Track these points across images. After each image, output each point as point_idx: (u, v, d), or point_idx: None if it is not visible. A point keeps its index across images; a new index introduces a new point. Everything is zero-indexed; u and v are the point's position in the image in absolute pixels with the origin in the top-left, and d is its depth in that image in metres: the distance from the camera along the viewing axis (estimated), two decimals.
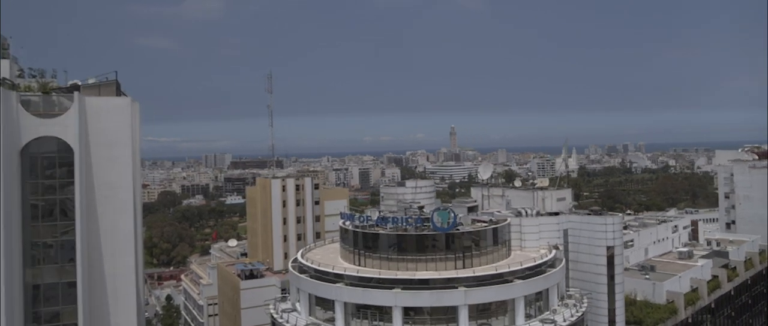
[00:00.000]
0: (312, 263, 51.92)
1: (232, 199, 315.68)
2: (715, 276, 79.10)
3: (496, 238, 52.25)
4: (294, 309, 52.57)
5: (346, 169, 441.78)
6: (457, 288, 45.52)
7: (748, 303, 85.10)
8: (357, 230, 52.17)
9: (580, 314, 50.18)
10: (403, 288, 45.69)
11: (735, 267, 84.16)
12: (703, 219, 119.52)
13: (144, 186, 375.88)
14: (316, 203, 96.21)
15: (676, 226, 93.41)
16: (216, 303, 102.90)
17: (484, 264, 49.99)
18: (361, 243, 51.53)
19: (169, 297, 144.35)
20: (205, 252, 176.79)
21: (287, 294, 57.14)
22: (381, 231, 50.73)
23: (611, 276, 56.77)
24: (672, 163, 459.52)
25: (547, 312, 49.40)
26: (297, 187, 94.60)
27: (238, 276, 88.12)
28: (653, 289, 69.11)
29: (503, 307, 47.15)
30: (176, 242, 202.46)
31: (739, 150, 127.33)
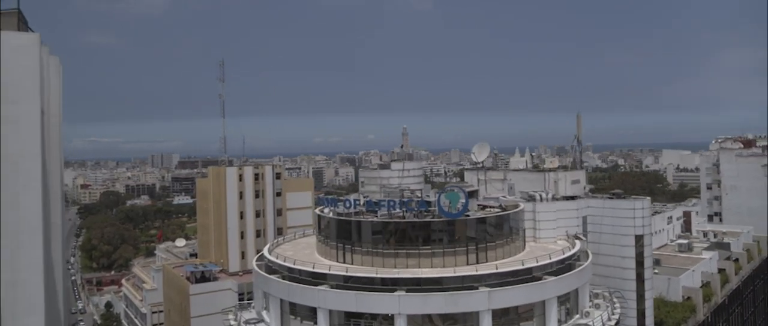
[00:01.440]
0: (285, 261, 40.82)
1: (180, 199, 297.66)
2: (721, 270, 72.24)
3: (512, 227, 42.48)
4: (261, 320, 41.32)
5: (300, 169, 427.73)
6: (477, 288, 35.45)
7: (752, 297, 78.82)
8: (341, 218, 41.39)
9: (616, 316, 41.06)
10: (408, 291, 35.24)
11: (737, 259, 77.76)
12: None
13: (85, 186, 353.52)
14: (278, 195, 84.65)
15: (670, 217, 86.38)
16: (161, 311, 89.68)
17: (501, 259, 40.16)
18: (346, 234, 40.79)
19: (108, 305, 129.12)
20: (150, 254, 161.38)
21: (251, 301, 45.82)
22: (372, 220, 40.16)
23: (640, 272, 47.97)
24: (621, 162, 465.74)
25: (577, 316, 40.02)
26: (256, 177, 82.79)
27: (188, 279, 75.67)
28: (668, 285, 60.97)
29: (530, 311, 37.38)
30: (118, 244, 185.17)
31: (714, 141, 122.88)
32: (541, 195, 48.76)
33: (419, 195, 42.72)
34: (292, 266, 39.70)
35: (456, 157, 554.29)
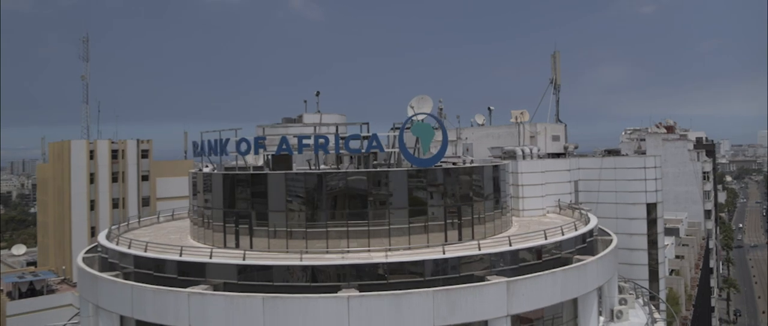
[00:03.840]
0: (130, 247, 23.05)
1: None
2: (680, 256, 63.30)
3: (501, 190, 27.59)
4: None
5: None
6: (485, 280, 19.97)
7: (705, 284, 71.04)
8: (235, 174, 24.40)
9: (659, 316, 27.57)
10: (361, 288, 18.98)
11: (688, 245, 69.68)
12: None
13: None
14: (145, 179, 64.48)
15: None
16: None
17: (492, 235, 25.13)
18: (244, 201, 23.81)
19: None
20: None
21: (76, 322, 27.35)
22: (289, 173, 23.52)
23: (652, 254, 35.24)
24: None
25: (603, 319, 25.93)
26: (114, 154, 62.15)
27: (8, 294, 53.72)
28: None
29: (558, 315, 22.56)
30: None
31: (623, 132, 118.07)
32: (523, 151, 34.52)
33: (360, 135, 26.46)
34: (141, 254, 22.05)
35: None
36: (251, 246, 22.83)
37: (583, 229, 25.43)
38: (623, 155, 38.04)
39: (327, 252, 21.97)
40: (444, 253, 21.15)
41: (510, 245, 21.54)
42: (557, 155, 37.58)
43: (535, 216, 32.55)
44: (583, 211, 31.18)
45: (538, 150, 35.83)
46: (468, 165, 26.19)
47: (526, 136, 38.16)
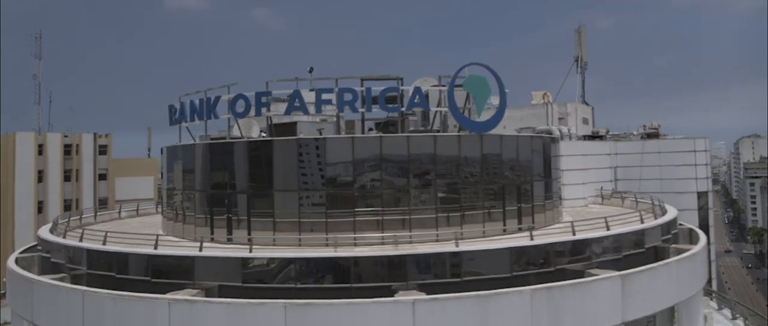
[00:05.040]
0: (81, 240, 16.81)
1: None
2: None
3: (549, 169, 22.34)
4: None
5: None
6: (586, 275, 14.52)
7: None
8: (226, 142, 18.48)
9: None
10: (424, 288, 13.24)
11: None
12: None
13: None
14: (103, 178, 57.18)
15: None
16: None
17: (542, 226, 19.78)
18: (244, 178, 17.88)
19: None
20: None
21: None
22: (302, 140, 17.70)
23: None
24: None
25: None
26: (67, 149, 54.73)
27: None
28: None
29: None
30: None
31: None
32: (560, 131, 29.42)
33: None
34: (98, 249, 15.87)
35: None
36: (250, 241, 16.84)
37: (668, 217, 20.29)
38: (665, 137, 33.44)
39: (354, 245, 16.20)
40: (532, 239, 15.60)
41: (607, 228, 16.15)
42: (590, 138, 32.74)
43: (576, 207, 27.45)
44: (637, 200, 26.23)
45: (575, 131, 30.90)
46: (526, 134, 20.85)
47: (555, 118, 33.16)
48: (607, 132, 34.47)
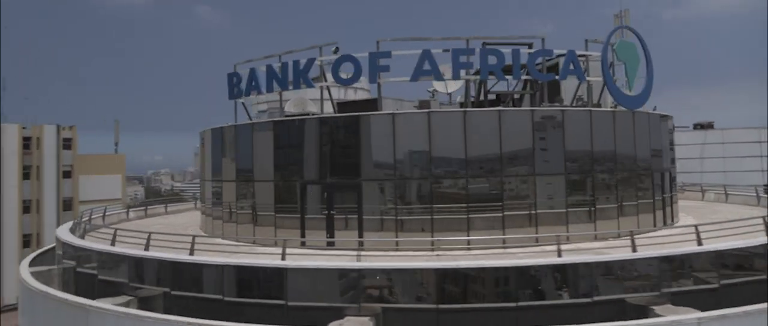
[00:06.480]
0: (158, 251, 12.44)
1: None
2: None
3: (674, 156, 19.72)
4: None
5: None
6: None
7: None
8: (362, 115, 14.54)
9: None
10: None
11: None
12: None
13: None
14: (67, 175, 50.87)
15: None
16: None
17: (671, 225, 16.96)
18: (369, 164, 13.93)
19: None
20: None
21: None
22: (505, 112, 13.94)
23: None
24: None
25: None
26: (26, 143, 48.20)
27: None
28: None
29: None
30: None
31: None
32: None
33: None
34: (186, 260, 11.60)
35: None
36: (359, 241, 12.93)
37: None
38: (719, 129, 31.38)
39: (503, 245, 12.67)
40: (700, 244, 12.48)
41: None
42: None
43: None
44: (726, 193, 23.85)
45: None
46: (653, 112, 17.82)
47: None
48: None
